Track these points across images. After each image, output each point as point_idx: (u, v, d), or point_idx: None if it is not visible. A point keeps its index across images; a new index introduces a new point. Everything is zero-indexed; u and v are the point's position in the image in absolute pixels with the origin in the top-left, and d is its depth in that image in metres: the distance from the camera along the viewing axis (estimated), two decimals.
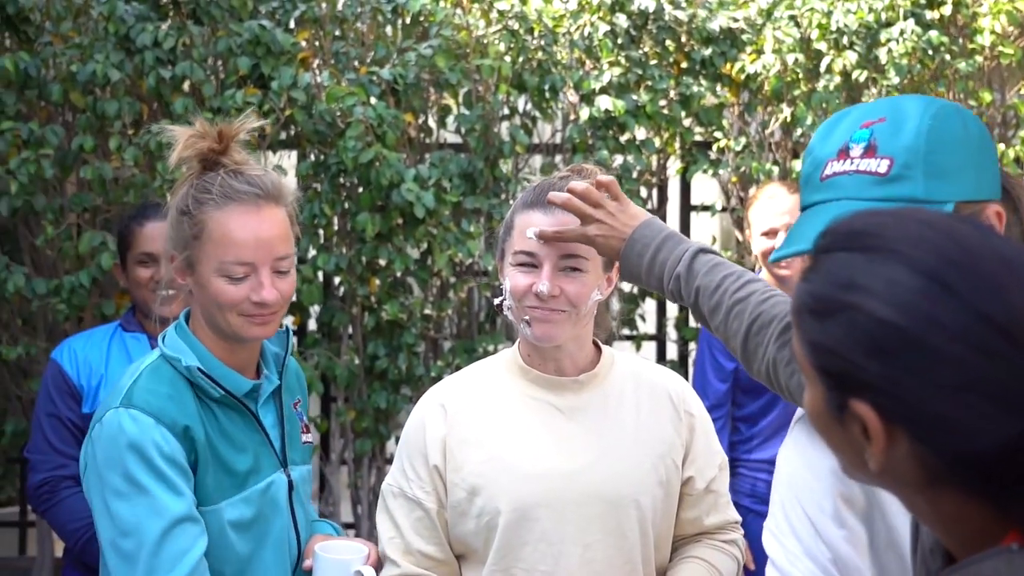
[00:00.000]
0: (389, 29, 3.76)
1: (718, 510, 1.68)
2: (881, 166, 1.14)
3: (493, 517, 1.55)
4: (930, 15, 3.73)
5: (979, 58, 3.76)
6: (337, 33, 3.69)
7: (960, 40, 3.81)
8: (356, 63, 3.65)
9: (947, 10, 3.73)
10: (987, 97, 3.75)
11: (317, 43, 3.68)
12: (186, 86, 3.49)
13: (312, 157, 3.64)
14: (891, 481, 0.85)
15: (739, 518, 1.71)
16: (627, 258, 1.44)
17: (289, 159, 3.84)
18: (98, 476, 1.47)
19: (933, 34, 3.64)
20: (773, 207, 2.72)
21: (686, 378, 4.06)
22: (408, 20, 3.73)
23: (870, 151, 1.15)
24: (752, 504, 2.72)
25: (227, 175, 1.53)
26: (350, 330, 3.71)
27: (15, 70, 3.33)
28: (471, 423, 1.61)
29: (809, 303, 0.84)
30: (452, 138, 3.90)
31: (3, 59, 3.35)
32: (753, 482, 2.79)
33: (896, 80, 3.67)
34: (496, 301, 1.63)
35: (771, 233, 2.73)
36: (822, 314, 0.83)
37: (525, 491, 1.55)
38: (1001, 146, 3.76)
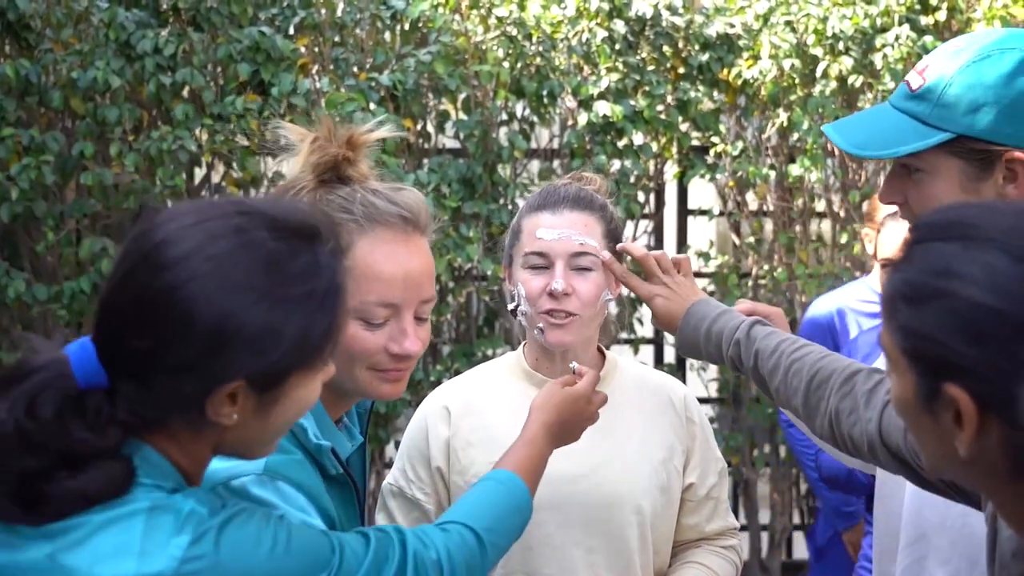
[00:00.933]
0: (388, 35, 3.78)
1: (718, 516, 1.69)
2: (916, 83, 1.27)
3: None
4: (925, 20, 3.77)
5: None
6: (336, 39, 3.71)
7: None
8: (355, 69, 3.67)
9: (941, 15, 3.77)
10: None
11: (316, 49, 3.70)
12: (186, 92, 3.51)
13: None
14: (978, 472, 0.86)
15: (737, 524, 1.74)
16: (685, 326, 1.46)
17: (288, 165, 3.85)
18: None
19: (928, 39, 3.68)
20: (892, 239, 2.51)
21: (683, 382, 4.09)
22: (407, 26, 3.75)
23: (925, 68, 1.27)
24: None
25: (366, 192, 1.24)
26: None
27: (16, 76, 3.35)
28: (476, 426, 1.62)
29: (904, 290, 0.86)
30: (451, 143, 3.93)
31: (4, 66, 3.36)
32: None
33: (891, 85, 3.70)
34: (510, 307, 1.64)
35: (888, 264, 2.63)
36: (917, 300, 0.84)
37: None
38: None
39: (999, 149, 1.22)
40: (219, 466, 1.17)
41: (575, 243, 1.56)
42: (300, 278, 0.99)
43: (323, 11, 3.68)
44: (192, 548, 0.96)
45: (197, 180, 3.74)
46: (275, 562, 1.00)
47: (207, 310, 0.96)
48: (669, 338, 4.17)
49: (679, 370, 4.11)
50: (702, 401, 4.19)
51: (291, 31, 3.68)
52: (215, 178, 3.73)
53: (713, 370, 4.19)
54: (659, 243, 4.10)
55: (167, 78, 3.41)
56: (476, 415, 1.63)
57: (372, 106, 3.48)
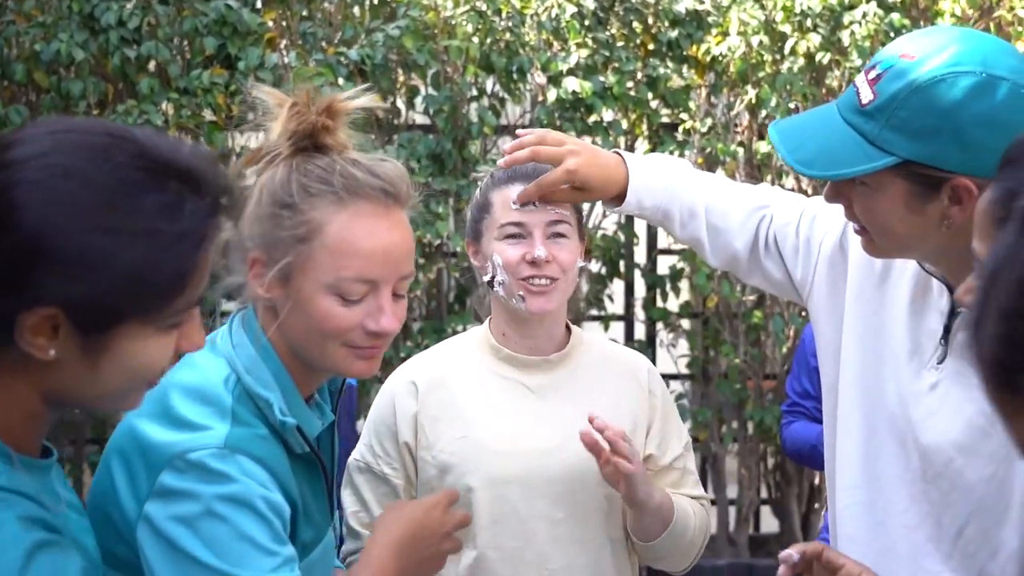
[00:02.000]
0: (356, 9, 3.76)
1: (685, 485, 1.71)
2: (866, 97, 1.23)
3: (464, 494, 1.57)
4: None
5: None
6: (304, 13, 3.68)
7: (921, 23, 3.87)
8: (323, 44, 3.65)
9: None
10: None
11: (284, 23, 3.67)
12: (152, 66, 3.47)
13: None
14: None
15: (707, 496, 1.76)
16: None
17: (256, 139, 3.83)
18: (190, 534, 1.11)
19: (895, 17, 3.70)
20: None
21: (653, 358, 4.11)
22: (376, 0, 3.72)
23: (876, 79, 1.22)
24: None
25: (346, 163, 1.19)
26: None
27: None
28: (442, 401, 1.63)
29: None
30: (420, 119, 3.91)
31: None
32: None
33: (859, 62, 3.72)
34: (485, 279, 1.64)
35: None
36: None
37: (496, 469, 1.58)
38: None
39: (945, 175, 1.20)
40: (177, 438, 1.13)
41: (552, 212, 1.59)
42: (149, 214, 0.90)
43: None
44: None
45: None
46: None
47: (26, 219, 0.87)
48: (639, 314, 4.20)
49: (649, 347, 4.13)
50: (671, 377, 4.23)
51: (258, 4, 3.65)
52: None
53: (683, 346, 4.22)
54: (629, 220, 4.12)
55: (132, 51, 3.38)
56: (443, 390, 1.63)
57: (340, 81, 3.46)
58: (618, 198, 1.49)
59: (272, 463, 1.17)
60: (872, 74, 1.23)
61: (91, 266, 0.88)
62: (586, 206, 3.93)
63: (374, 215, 1.18)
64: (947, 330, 1.30)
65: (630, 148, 4.01)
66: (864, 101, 1.22)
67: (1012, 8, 3.80)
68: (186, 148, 0.95)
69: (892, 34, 3.72)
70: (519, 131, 1.57)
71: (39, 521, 0.91)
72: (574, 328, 1.72)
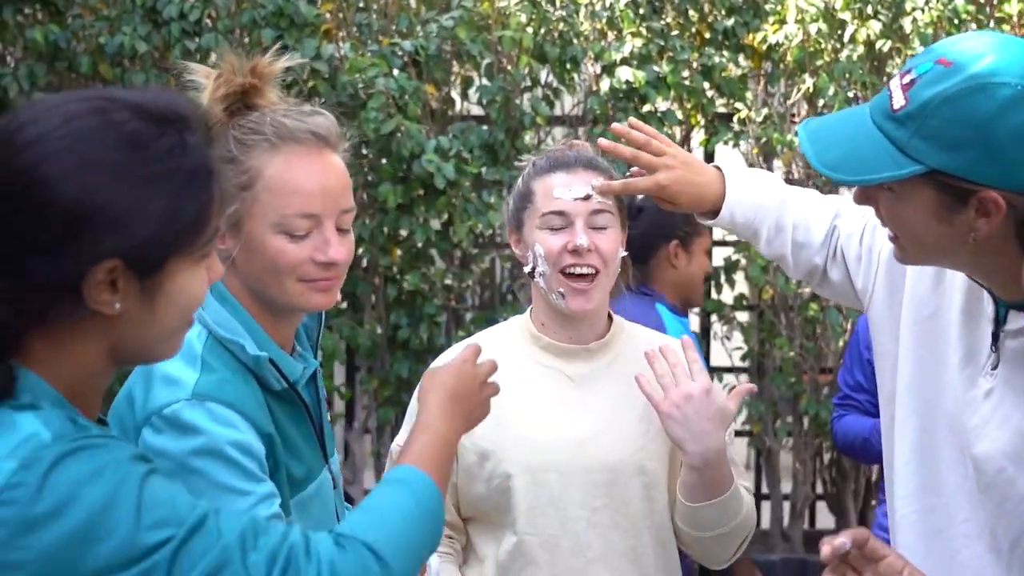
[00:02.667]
0: (411, 1, 3.79)
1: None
2: (898, 102, 1.21)
3: (503, 480, 1.59)
4: None
5: (1007, 27, 3.71)
6: (360, 5, 3.72)
7: (987, 8, 3.76)
8: (379, 35, 3.68)
9: None
10: None
11: (340, 15, 3.71)
12: (212, 58, 3.55)
13: None
14: None
15: (751, 486, 1.75)
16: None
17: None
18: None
19: (960, 2, 3.61)
20: None
21: (707, 351, 4.08)
22: None
23: (910, 85, 1.20)
24: None
25: (276, 114, 1.29)
26: (373, 300, 3.76)
27: (46, 42, 3.41)
28: None
29: None
30: (475, 110, 3.93)
31: (34, 31, 3.42)
32: None
33: (921, 50, 3.63)
34: (527, 269, 1.64)
35: None
36: None
37: (534, 456, 1.59)
38: None
39: (974, 187, 1.17)
40: (153, 395, 1.22)
41: (594, 202, 1.59)
42: (164, 157, 0.98)
43: None
44: (16, 475, 0.92)
45: None
46: (113, 501, 0.93)
47: (65, 188, 0.95)
48: (692, 309, 4.17)
49: (703, 338, 4.10)
50: (725, 370, 4.20)
51: None
52: None
53: (737, 339, 4.18)
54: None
55: (192, 43, 3.45)
56: None
57: (395, 72, 3.49)
58: (711, 212, 1.51)
59: (242, 404, 1.25)
60: (907, 79, 1.20)
61: (132, 214, 0.96)
62: (639, 197, 3.91)
63: (307, 155, 1.27)
64: (995, 336, 1.27)
65: (685, 138, 3.98)
66: (896, 107, 1.20)
67: None
68: (167, 95, 1.04)
69: (956, 21, 3.63)
70: (631, 120, 1.56)
71: (140, 456, 0.99)
72: (615, 317, 1.71)
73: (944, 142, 1.16)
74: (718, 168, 1.53)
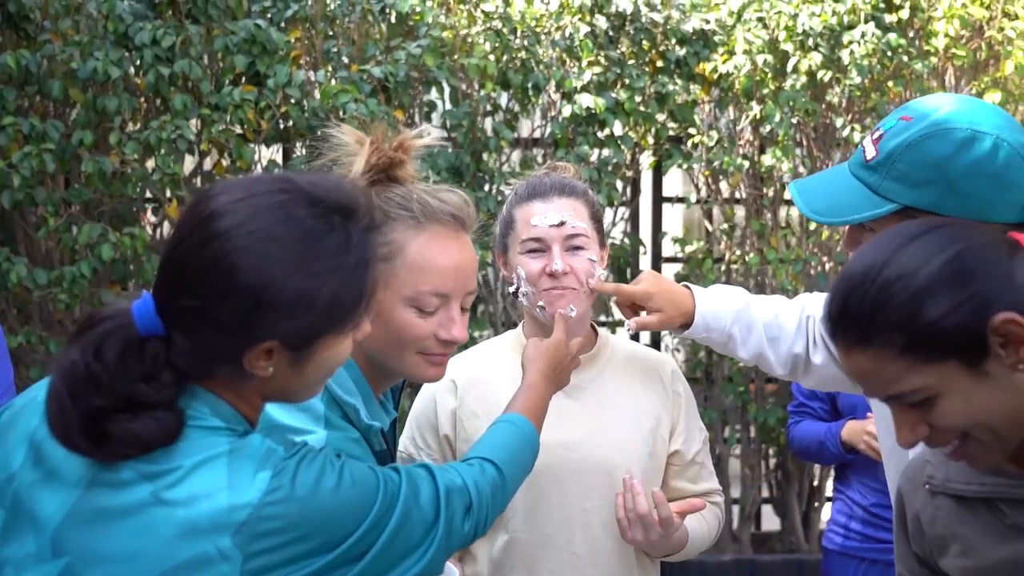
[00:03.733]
0: (376, 28, 3.90)
1: (703, 479, 1.85)
2: (870, 154, 1.39)
3: None
4: (889, 18, 3.97)
5: (934, 59, 4.00)
6: (329, 32, 3.82)
7: (916, 42, 4.04)
8: (346, 61, 3.79)
9: (904, 14, 3.97)
10: None
11: (308, 41, 3.81)
12: (184, 83, 3.60)
13: (301, 151, 3.77)
14: None
15: (720, 487, 1.89)
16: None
17: (278, 152, 3.97)
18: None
19: (892, 36, 3.87)
20: None
21: None
22: (394, 19, 3.87)
23: (879, 139, 1.39)
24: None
25: (420, 191, 1.35)
26: None
27: (16, 67, 3.43)
28: (480, 398, 1.76)
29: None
30: (436, 133, 4.05)
31: (5, 56, 3.44)
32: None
33: (858, 80, 3.89)
34: (511, 290, 1.78)
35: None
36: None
37: None
38: None
39: (943, 220, 1.33)
40: (286, 420, 1.29)
41: (568, 227, 1.72)
42: (333, 253, 1.10)
43: (314, 3, 3.78)
44: (274, 481, 1.08)
45: (188, 169, 3.84)
46: (339, 494, 1.11)
47: (247, 278, 1.08)
48: None
49: (655, 349, 4.28)
50: None
51: (282, 24, 3.79)
52: (207, 166, 3.83)
53: (685, 350, 4.38)
54: (635, 229, 4.28)
55: (166, 69, 3.50)
56: (480, 387, 1.76)
57: (364, 97, 3.60)
58: (684, 325, 1.70)
59: (361, 460, 1.32)
60: (876, 134, 1.39)
61: (300, 305, 1.10)
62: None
63: (447, 237, 1.35)
64: None
65: (635, 160, 4.17)
66: (868, 157, 1.38)
67: (1002, 28, 3.98)
68: (338, 184, 1.16)
69: (889, 53, 3.90)
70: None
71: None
72: (601, 331, 1.84)
73: (911, 182, 1.35)
74: (687, 287, 1.73)
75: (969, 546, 1.16)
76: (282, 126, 3.75)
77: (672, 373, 1.84)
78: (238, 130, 3.60)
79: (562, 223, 1.70)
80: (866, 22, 3.90)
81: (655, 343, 4.35)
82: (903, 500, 1.24)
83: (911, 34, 4.04)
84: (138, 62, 3.51)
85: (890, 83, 4.00)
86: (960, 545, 1.16)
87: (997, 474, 1.14)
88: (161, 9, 3.60)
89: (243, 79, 3.64)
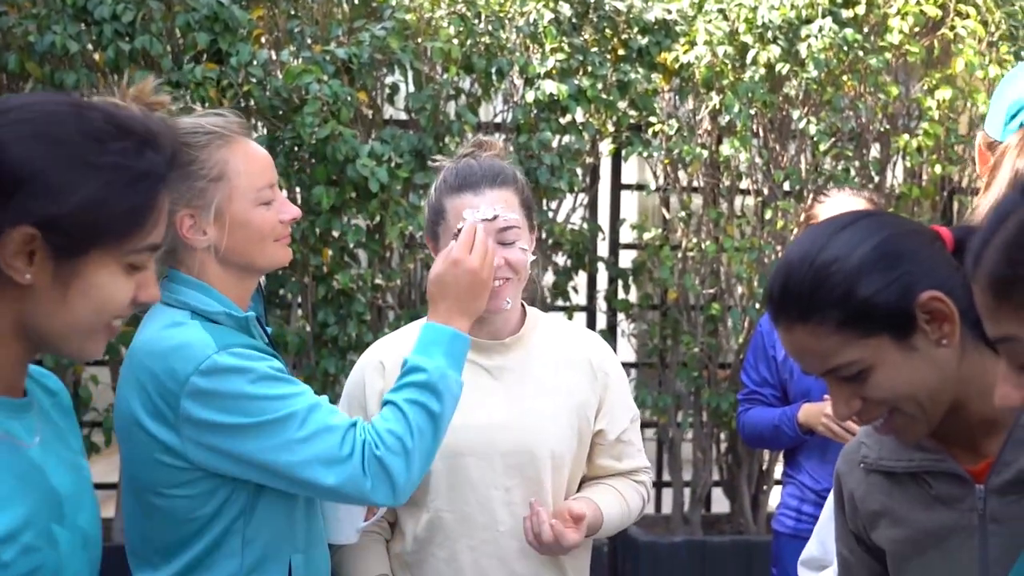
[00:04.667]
0: (339, 8, 3.88)
1: (630, 457, 1.87)
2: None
3: None
4: (846, 14, 4.05)
5: (888, 55, 4.09)
6: (291, 12, 3.80)
7: (872, 38, 4.13)
8: (309, 41, 3.77)
9: (861, 10, 4.05)
10: (894, 91, 4.09)
11: (271, 20, 3.78)
12: (144, 59, 3.56)
13: (264, 131, 3.75)
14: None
15: (649, 464, 1.92)
16: None
17: None
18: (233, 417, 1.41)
19: (848, 31, 3.96)
20: (833, 212, 2.59)
21: (614, 347, 4.33)
22: (357, 1, 3.86)
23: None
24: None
25: (207, 116, 1.52)
26: (300, 299, 3.85)
27: None
28: None
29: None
30: (398, 115, 4.06)
31: None
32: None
33: (815, 73, 3.97)
34: None
35: None
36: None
37: (454, 441, 1.70)
38: (905, 136, 4.12)
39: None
40: (179, 363, 1.41)
41: (501, 221, 1.71)
42: (114, 153, 1.04)
43: None
44: None
45: None
46: None
47: (11, 153, 1.02)
48: (601, 304, 4.42)
49: (611, 336, 4.35)
50: (631, 365, 4.46)
51: (245, 2, 3.76)
52: None
53: (641, 335, 4.45)
54: (593, 216, 4.33)
55: (125, 44, 3.46)
56: None
57: (326, 78, 3.59)
58: None
59: (255, 345, 1.49)
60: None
61: (63, 191, 1.03)
62: (555, 203, 4.12)
63: (248, 142, 1.54)
64: None
65: (595, 147, 4.22)
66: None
67: (953, 27, 4.09)
68: (148, 115, 1.14)
69: (845, 47, 3.98)
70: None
71: None
72: (530, 311, 1.85)
73: None
74: None
75: (898, 517, 1.25)
76: (243, 105, 3.72)
77: (599, 352, 1.85)
78: (199, 108, 3.57)
79: (495, 217, 1.70)
80: (824, 16, 3.98)
81: (611, 327, 4.41)
82: (840, 480, 1.33)
83: (866, 29, 4.13)
84: (97, 36, 3.46)
85: (845, 77, 4.08)
86: (890, 518, 1.26)
87: (923, 450, 1.23)
88: None
89: (205, 56, 3.61)
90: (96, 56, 3.54)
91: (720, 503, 4.66)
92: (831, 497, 1.40)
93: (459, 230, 1.68)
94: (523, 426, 1.75)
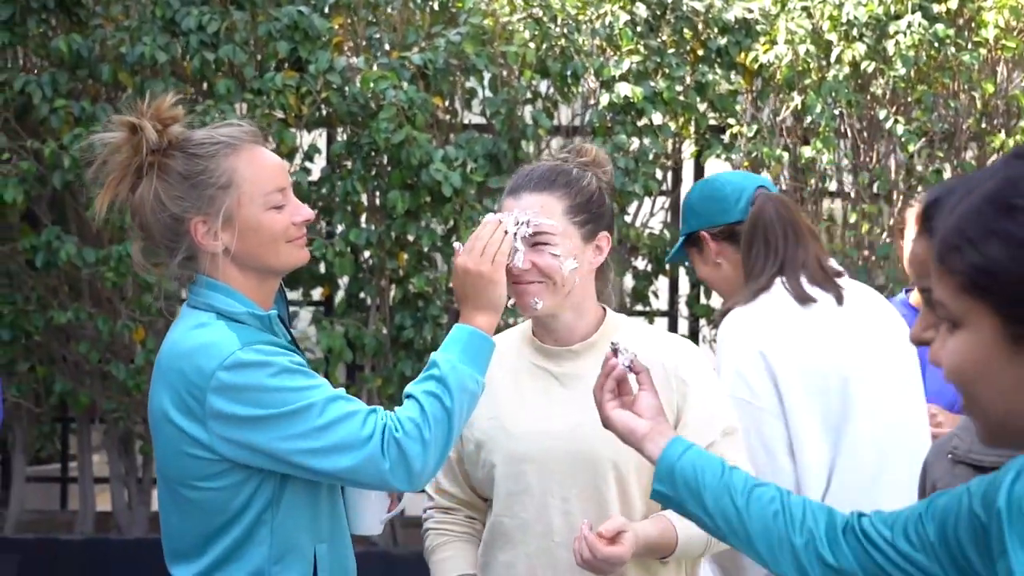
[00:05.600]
0: (418, 15, 3.94)
1: None
2: None
3: (490, 469, 1.76)
4: (937, 8, 3.89)
5: (983, 51, 3.92)
6: (370, 19, 3.87)
7: (965, 33, 3.97)
8: (387, 47, 3.84)
9: (953, 4, 3.89)
10: (990, 88, 3.92)
11: (351, 27, 3.86)
12: (228, 68, 3.68)
13: (343, 137, 3.83)
14: None
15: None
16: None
17: (321, 138, 4.03)
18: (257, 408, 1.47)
19: (939, 27, 3.80)
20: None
21: None
22: (436, 7, 3.90)
23: None
24: None
25: (217, 127, 1.58)
26: (377, 302, 3.92)
27: (68, 51, 3.54)
28: (490, 398, 1.77)
29: (961, 232, 0.86)
30: (477, 120, 4.09)
31: (58, 40, 3.55)
32: None
33: (903, 71, 3.84)
34: None
35: None
36: (980, 238, 0.84)
37: (514, 448, 1.72)
38: (1002, 135, 3.93)
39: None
40: (205, 363, 1.47)
41: (531, 225, 1.71)
42: None
43: None
44: None
45: None
46: None
47: None
48: (683, 310, 4.35)
49: (692, 342, 4.27)
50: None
51: (326, 10, 3.85)
52: None
53: None
54: (675, 219, 4.27)
55: (210, 54, 3.59)
56: (487, 383, 1.73)
57: (404, 84, 3.65)
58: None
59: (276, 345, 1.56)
60: None
61: None
62: (633, 205, 4.08)
63: (257, 148, 1.58)
64: None
65: (677, 150, 4.16)
66: None
67: None
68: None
69: (936, 44, 3.83)
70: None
71: None
72: (610, 316, 1.81)
73: None
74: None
75: None
76: (324, 111, 3.81)
77: (679, 359, 1.78)
78: (280, 115, 3.67)
79: (526, 222, 1.71)
80: (913, 12, 3.84)
81: (693, 333, 4.34)
82: (926, 470, 1.32)
83: (960, 25, 3.96)
84: (184, 47, 3.60)
85: (936, 74, 3.93)
86: None
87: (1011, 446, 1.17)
88: None
89: (286, 65, 3.71)
90: (184, 65, 3.67)
91: None
92: None
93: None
94: (583, 435, 1.71)
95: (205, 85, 3.72)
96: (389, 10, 3.88)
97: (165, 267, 1.60)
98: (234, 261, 1.56)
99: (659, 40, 3.93)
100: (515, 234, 1.70)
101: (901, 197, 3.96)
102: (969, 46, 3.94)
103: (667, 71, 3.88)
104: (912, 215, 2.67)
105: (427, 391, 1.52)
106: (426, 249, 3.82)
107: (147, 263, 1.60)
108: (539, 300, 1.74)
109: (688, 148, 4.17)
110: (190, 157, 1.53)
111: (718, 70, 3.93)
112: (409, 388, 1.56)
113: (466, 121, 4.04)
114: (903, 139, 3.90)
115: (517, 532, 1.75)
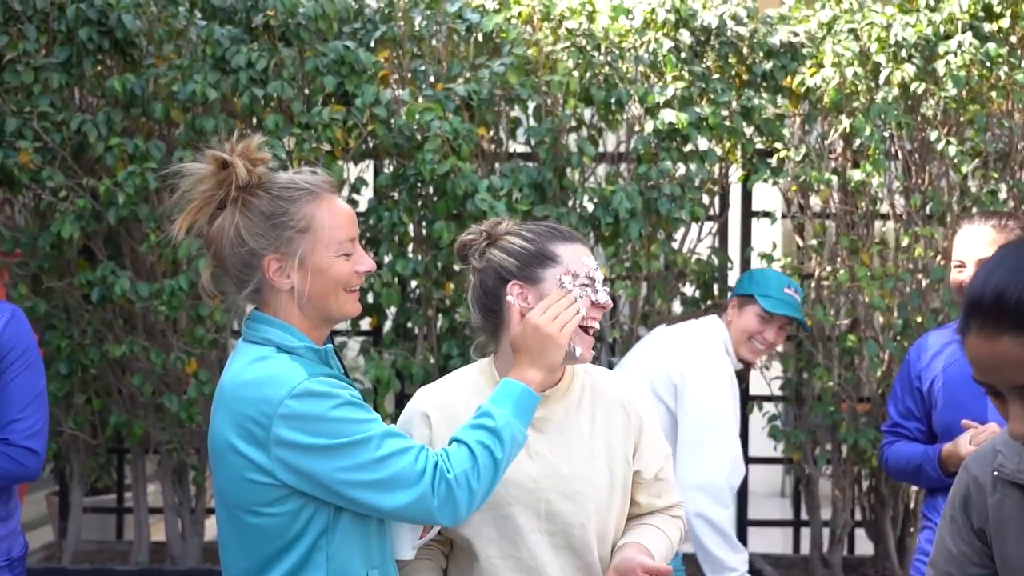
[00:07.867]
0: (463, 47, 3.98)
1: (667, 494, 1.98)
2: None
3: (476, 513, 1.81)
4: (988, 28, 3.83)
5: None
6: (415, 51, 3.91)
7: (1018, 52, 3.89)
8: (432, 79, 3.87)
9: (1005, 23, 3.82)
10: None
11: (396, 61, 3.91)
12: (275, 103, 3.75)
13: (389, 168, 3.87)
14: None
15: (681, 500, 2.01)
16: None
17: (367, 170, 4.07)
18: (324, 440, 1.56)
19: (991, 46, 3.73)
20: (964, 240, 2.59)
21: (747, 380, 4.20)
22: (480, 38, 3.93)
23: None
24: None
25: (297, 175, 1.68)
26: (425, 331, 3.93)
27: (123, 90, 3.62)
28: (453, 430, 1.82)
29: None
30: (521, 148, 4.10)
31: (112, 80, 3.64)
32: None
33: (953, 91, 3.77)
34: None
35: (960, 265, 2.59)
36: None
37: (499, 491, 1.81)
38: None
39: None
40: (272, 393, 1.56)
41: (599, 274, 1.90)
42: None
43: (402, 24, 3.88)
44: None
45: None
46: None
47: None
48: None
49: (744, 369, 4.22)
50: (765, 399, 4.32)
51: (372, 44, 3.90)
52: None
53: (776, 369, 4.30)
54: (723, 244, 4.23)
55: (259, 90, 3.65)
56: (454, 421, 1.84)
57: (449, 115, 3.67)
58: None
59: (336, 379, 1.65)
60: None
61: None
62: (680, 232, 4.05)
63: (334, 198, 1.69)
64: None
65: (724, 175, 4.13)
66: None
67: None
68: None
69: (988, 64, 3.76)
70: None
71: None
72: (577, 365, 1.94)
73: None
74: None
75: None
76: (370, 144, 3.85)
77: (631, 398, 1.95)
78: (327, 148, 3.72)
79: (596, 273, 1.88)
80: (963, 32, 3.78)
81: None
82: (968, 474, 1.30)
83: (1013, 44, 3.89)
84: (234, 84, 3.67)
85: (989, 94, 3.85)
86: (1021, 532, 1.23)
87: None
88: (257, 33, 3.75)
89: (332, 99, 3.76)
90: (234, 102, 3.74)
91: (863, 545, 4.43)
92: None
93: (585, 275, 1.82)
94: (565, 475, 1.85)
95: (254, 120, 3.78)
96: (434, 43, 3.92)
97: (229, 296, 1.70)
98: (297, 301, 1.65)
99: (703, 66, 3.91)
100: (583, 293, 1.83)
101: (956, 219, 3.88)
102: (1023, 64, 3.86)
103: (712, 96, 3.86)
104: (961, 243, 2.60)
105: (480, 441, 1.61)
106: None
107: (214, 290, 1.70)
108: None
109: (735, 173, 4.14)
110: (274, 199, 1.62)
111: (764, 94, 3.90)
112: (460, 434, 1.63)
113: (511, 150, 4.05)
114: (955, 160, 3.82)
115: (506, 565, 1.85)
